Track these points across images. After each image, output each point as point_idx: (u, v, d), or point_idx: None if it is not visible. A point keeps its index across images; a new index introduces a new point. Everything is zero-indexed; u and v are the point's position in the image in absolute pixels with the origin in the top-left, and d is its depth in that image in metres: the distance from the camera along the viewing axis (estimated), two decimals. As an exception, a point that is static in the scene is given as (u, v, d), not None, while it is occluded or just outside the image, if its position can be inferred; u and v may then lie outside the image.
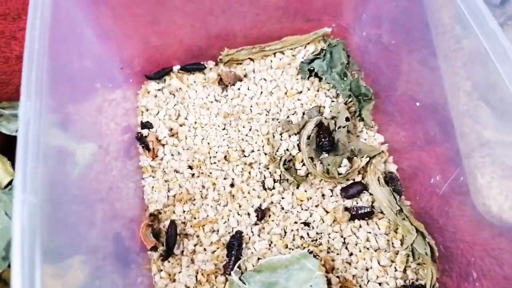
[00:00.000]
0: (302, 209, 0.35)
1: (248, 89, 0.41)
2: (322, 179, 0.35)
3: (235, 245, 0.33)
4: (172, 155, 0.38)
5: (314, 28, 0.42)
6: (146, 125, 0.39)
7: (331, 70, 0.40)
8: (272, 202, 0.35)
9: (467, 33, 0.27)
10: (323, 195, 0.35)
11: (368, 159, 0.35)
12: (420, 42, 0.34)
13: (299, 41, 0.42)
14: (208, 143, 0.38)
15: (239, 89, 0.41)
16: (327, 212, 0.34)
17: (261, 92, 0.40)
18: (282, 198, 0.35)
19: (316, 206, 0.35)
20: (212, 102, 0.40)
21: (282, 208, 0.35)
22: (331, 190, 0.35)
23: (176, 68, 0.42)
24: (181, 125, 0.39)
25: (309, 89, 0.40)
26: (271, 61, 0.42)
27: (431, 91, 0.33)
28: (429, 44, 0.32)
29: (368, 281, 0.32)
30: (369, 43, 0.40)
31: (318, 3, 0.41)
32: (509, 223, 0.27)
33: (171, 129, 0.39)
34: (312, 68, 0.40)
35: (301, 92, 0.40)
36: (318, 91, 0.40)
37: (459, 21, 0.28)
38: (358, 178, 0.36)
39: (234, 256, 0.32)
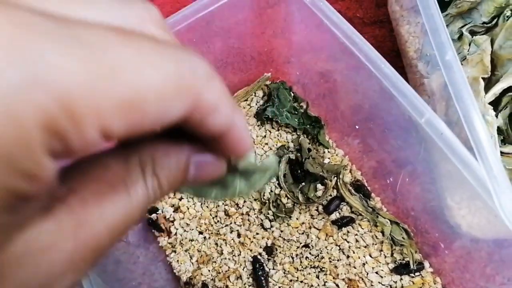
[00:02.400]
0: (299, 234, 0.42)
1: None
2: (306, 205, 0.43)
3: (258, 267, 0.40)
4: (182, 227, 0.45)
5: (255, 77, 0.49)
6: (153, 210, 0.46)
7: (282, 110, 0.47)
8: (274, 238, 0.42)
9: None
10: (312, 216, 0.43)
11: (335, 178, 0.43)
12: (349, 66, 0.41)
13: (249, 92, 0.49)
14: (207, 207, 0.45)
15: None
16: (319, 230, 0.42)
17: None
18: (281, 231, 0.43)
19: (309, 228, 0.42)
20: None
21: (284, 239, 0.42)
22: (317, 211, 0.43)
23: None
24: (180, 199, 0.46)
25: (271, 132, 0.47)
26: (232, 116, 0.49)
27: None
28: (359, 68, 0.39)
29: (367, 273, 0.40)
30: (305, 78, 0.47)
31: (247, 58, 0.47)
32: (477, 237, 0.34)
33: (173, 205, 0.46)
34: (267, 116, 0.47)
35: (265, 136, 0.47)
36: (278, 130, 0.47)
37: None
38: (334, 193, 0.43)
39: (263, 274, 0.40)
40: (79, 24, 0.10)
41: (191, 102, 0.11)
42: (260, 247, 0.42)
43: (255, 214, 0.44)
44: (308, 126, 0.46)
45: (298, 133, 0.47)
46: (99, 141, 0.10)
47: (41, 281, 0.10)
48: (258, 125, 0.48)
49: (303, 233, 0.42)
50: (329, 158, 0.45)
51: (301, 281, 0.40)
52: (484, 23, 0.39)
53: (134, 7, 0.13)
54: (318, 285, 0.40)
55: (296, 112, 0.47)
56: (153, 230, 0.45)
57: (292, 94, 0.48)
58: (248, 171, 0.18)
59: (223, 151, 0.15)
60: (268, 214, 0.43)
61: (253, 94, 0.49)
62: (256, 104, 0.48)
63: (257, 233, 0.43)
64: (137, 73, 0.10)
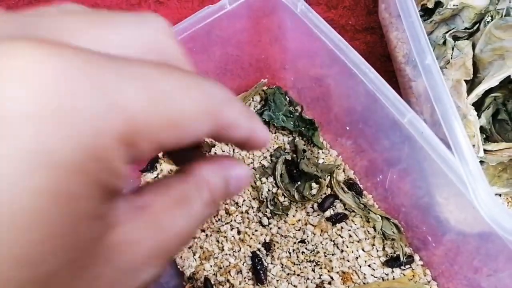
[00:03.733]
0: (296, 231, 0.45)
1: (222, 150, 0.50)
2: (302, 203, 0.45)
3: (257, 262, 0.43)
4: (185, 226, 0.47)
5: (253, 82, 0.52)
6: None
7: (278, 114, 0.49)
8: (272, 234, 0.45)
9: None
10: (307, 213, 0.45)
11: (329, 177, 0.45)
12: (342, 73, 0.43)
13: (247, 97, 0.52)
14: (209, 206, 0.48)
15: (215, 152, 0.50)
16: (314, 226, 0.44)
17: (234, 150, 0.50)
18: (279, 228, 0.45)
19: (305, 224, 0.45)
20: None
21: (281, 236, 0.45)
22: (312, 208, 0.45)
23: (160, 154, 0.52)
24: (183, 200, 0.49)
25: (272, 132, 0.50)
26: (231, 120, 0.52)
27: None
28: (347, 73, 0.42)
29: (360, 266, 0.42)
30: (300, 83, 0.49)
31: (245, 65, 0.50)
32: (464, 231, 0.36)
33: (177, 205, 0.49)
34: (264, 119, 0.49)
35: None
36: (275, 133, 0.50)
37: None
38: (328, 191, 0.46)
39: (262, 269, 0.42)
40: (129, 61, 0.12)
41: (216, 120, 0.14)
42: (259, 243, 0.45)
43: (253, 212, 0.46)
44: (303, 128, 0.48)
45: (293, 135, 0.49)
46: (155, 151, 0.13)
47: (132, 267, 0.13)
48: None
49: (299, 230, 0.45)
50: (323, 158, 0.48)
51: (298, 275, 0.42)
52: (466, 28, 0.42)
53: (147, 21, 0.15)
54: (314, 278, 0.42)
55: (291, 116, 0.49)
56: (158, 229, 0.48)
57: (288, 99, 0.50)
58: None
59: (250, 148, 0.18)
60: (266, 212, 0.45)
61: (251, 99, 0.52)
62: (254, 109, 0.51)
63: (256, 230, 0.45)
64: (179, 99, 0.13)
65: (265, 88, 0.52)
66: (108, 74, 0.11)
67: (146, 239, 0.13)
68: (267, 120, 0.49)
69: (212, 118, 0.14)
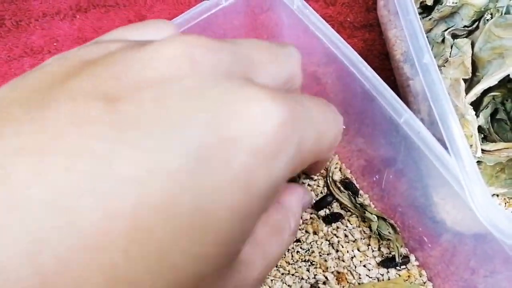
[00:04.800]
0: (291, 230, 0.44)
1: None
2: (297, 202, 0.45)
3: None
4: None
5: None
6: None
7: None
8: (267, 233, 0.44)
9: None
10: (303, 212, 0.45)
11: (326, 177, 0.45)
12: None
13: (243, 94, 0.51)
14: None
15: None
16: (309, 225, 0.44)
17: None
18: (273, 227, 0.45)
19: (301, 223, 0.44)
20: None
21: (276, 235, 0.44)
22: (308, 207, 0.45)
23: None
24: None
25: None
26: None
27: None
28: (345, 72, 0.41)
29: (356, 266, 0.42)
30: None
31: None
32: (461, 232, 0.36)
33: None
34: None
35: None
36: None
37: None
38: (325, 191, 0.45)
39: None
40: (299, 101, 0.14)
41: (334, 146, 0.17)
42: (254, 243, 0.44)
43: (249, 211, 0.46)
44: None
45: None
46: (299, 169, 0.15)
47: (245, 285, 0.14)
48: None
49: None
50: (320, 157, 0.47)
51: (292, 274, 0.42)
52: (465, 26, 0.41)
53: (292, 55, 0.17)
54: (309, 277, 0.42)
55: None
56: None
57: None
58: None
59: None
60: (261, 211, 0.45)
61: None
62: (251, 106, 0.51)
63: (251, 229, 0.45)
64: (328, 132, 0.15)
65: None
66: (301, 121, 0.13)
67: (255, 264, 0.15)
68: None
69: (335, 146, 0.17)
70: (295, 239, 0.43)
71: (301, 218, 0.45)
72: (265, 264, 0.15)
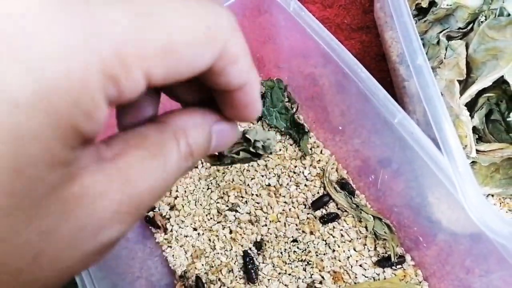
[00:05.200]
0: (286, 230, 0.45)
1: (215, 149, 0.50)
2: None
3: (249, 261, 0.42)
4: (177, 224, 0.47)
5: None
6: (150, 208, 0.49)
7: (272, 110, 0.49)
8: (263, 234, 0.45)
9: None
10: (301, 211, 0.45)
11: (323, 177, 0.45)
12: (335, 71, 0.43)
13: (241, 95, 0.51)
14: (201, 205, 0.48)
15: (209, 151, 0.50)
16: (306, 225, 0.44)
17: (226, 148, 0.50)
18: (269, 228, 0.45)
19: (298, 223, 0.45)
20: (192, 171, 0.50)
21: (273, 235, 0.45)
22: (304, 205, 0.45)
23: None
24: (175, 198, 0.49)
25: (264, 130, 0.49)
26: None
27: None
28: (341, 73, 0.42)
29: (352, 266, 0.42)
30: (294, 82, 0.49)
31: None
32: (456, 232, 0.36)
33: (169, 203, 0.49)
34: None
35: (256, 138, 0.49)
36: (268, 131, 0.49)
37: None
38: (321, 191, 0.46)
39: (253, 268, 0.42)
40: None
41: (218, 50, 0.13)
42: (251, 242, 0.45)
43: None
44: (293, 130, 0.48)
45: (284, 135, 0.49)
46: (143, 84, 0.12)
47: (94, 222, 0.12)
48: (252, 122, 0.50)
49: (289, 226, 0.45)
50: (314, 157, 0.48)
51: (289, 274, 0.42)
52: (460, 28, 0.42)
53: (215, 10, 0.14)
54: (305, 277, 0.42)
55: (286, 113, 0.49)
56: (150, 227, 0.48)
57: (286, 94, 0.50)
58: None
59: (236, 116, 0.16)
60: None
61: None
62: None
63: (246, 228, 0.45)
64: (173, 25, 0.12)
65: (265, 79, 0.51)
66: (102, 2, 0.10)
67: (112, 192, 0.12)
68: (259, 116, 0.49)
69: (215, 46, 0.13)
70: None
71: (298, 217, 0.45)
72: (133, 193, 0.13)
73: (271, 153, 0.22)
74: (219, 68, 0.14)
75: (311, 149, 0.48)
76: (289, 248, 0.44)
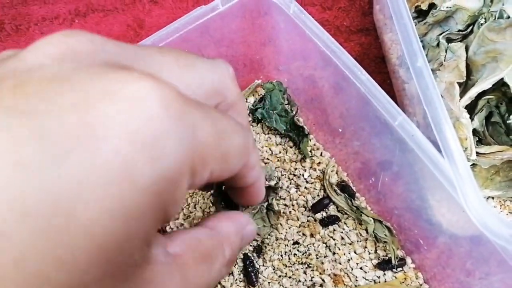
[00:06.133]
0: (287, 232, 0.45)
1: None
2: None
3: (249, 263, 0.42)
4: (177, 227, 0.47)
5: (247, 83, 0.52)
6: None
7: (272, 113, 0.49)
8: (264, 237, 0.45)
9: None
10: (301, 214, 0.45)
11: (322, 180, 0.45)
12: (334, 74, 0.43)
13: (240, 98, 0.51)
14: (200, 207, 0.48)
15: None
16: (306, 228, 0.44)
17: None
18: (270, 232, 0.45)
19: (298, 226, 0.45)
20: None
21: (273, 238, 0.45)
22: (304, 208, 0.45)
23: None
24: (175, 201, 0.49)
25: (264, 133, 0.49)
26: (225, 121, 0.51)
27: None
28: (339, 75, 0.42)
29: (352, 269, 0.42)
30: (294, 84, 0.49)
31: (239, 65, 0.50)
32: (456, 234, 0.36)
33: (169, 206, 0.48)
34: (257, 117, 0.49)
35: (255, 140, 0.49)
36: (268, 134, 0.49)
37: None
38: (321, 193, 0.46)
39: (253, 271, 0.42)
40: (201, 102, 0.14)
41: (245, 160, 0.16)
42: (251, 245, 0.44)
43: (246, 213, 0.46)
44: (293, 132, 0.48)
45: (284, 138, 0.49)
46: (206, 179, 0.14)
47: None
48: (251, 125, 0.50)
49: (290, 228, 0.44)
50: (313, 159, 0.48)
51: (290, 277, 0.42)
52: (459, 30, 0.42)
53: (218, 67, 0.17)
54: (306, 280, 0.42)
55: (286, 115, 0.49)
56: (150, 230, 0.48)
57: (286, 96, 0.50)
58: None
59: (244, 202, 0.20)
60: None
61: (245, 100, 0.52)
62: (248, 110, 0.51)
63: (248, 232, 0.45)
64: (232, 138, 0.15)
65: (265, 82, 0.51)
66: (194, 112, 0.13)
67: (172, 285, 0.14)
68: (259, 118, 0.49)
69: (245, 158, 0.16)
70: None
71: (298, 220, 0.45)
72: None
73: (277, 183, 0.26)
74: (242, 173, 0.17)
75: (311, 151, 0.48)
76: (290, 251, 0.44)
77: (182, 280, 0.14)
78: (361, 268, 0.42)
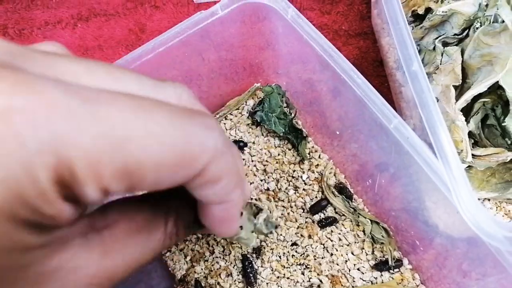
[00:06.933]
0: (286, 234, 0.45)
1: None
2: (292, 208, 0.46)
3: (248, 264, 0.43)
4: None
5: (246, 86, 0.52)
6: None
7: (271, 116, 0.50)
8: (262, 238, 0.45)
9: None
10: (299, 215, 0.46)
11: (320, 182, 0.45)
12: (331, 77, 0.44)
13: (240, 101, 0.52)
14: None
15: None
16: (304, 229, 0.45)
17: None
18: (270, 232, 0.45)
19: (296, 227, 0.45)
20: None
21: (272, 239, 0.45)
22: (302, 209, 0.46)
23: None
24: (175, 202, 0.49)
25: (263, 135, 0.50)
26: (224, 123, 0.52)
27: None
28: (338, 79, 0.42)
29: (349, 270, 0.43)
30: (292, 88, 0.50)
31: (239, 69, 0.51)
32: (452, 236, 0.37)
33: (169, 207, 0.49)
34: (256, 119, 0.50)
35: (254, 142, 0.50)
36: (267, 136, 0.50)
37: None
38: (319, 195, 0.46)
39: (252, 272, 0.42)
40: (99, 95, 0.11)
41: (193, 173, 0.12)
42: (250, 246, 0.45)
43: (245, 215, 0.46)
44: (291, 135, 0.48)
45: (283, 140, 0.49)
46: (100, 196, 0.11)
47: None
48: (249, 132, 0.51)
49: (288, 228, 0.45)
50: (312, 161, 0.48)
51: (288, 278, 0.43)
52: (455, 34, 0.42)
53: (164, 90, 0.14)
54: (303, 281, 0.42)
55: (285, 118, 0.49)
56: (150, 231, 0.48)
57: (284, 100, 0.51)
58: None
59: (210, 227, 0.16)
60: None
61: (244, 103, 0.52)
62: (247, 113, 0.52)
63: (247, 233, 0.46)
64: (140, 146, 0.11)
65: (261, 86, 0.52)
66: (61, 115, 0.10)
67: (89, 265, 0.13)
68: (258, 121, 0.49)
69: (189, 169, 0.12)
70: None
71: (296, 221, 0.45)
72: (108, 266, 0.13)
73: (276, 227, 0.23)
74: (195, 185, 0.13)
75: (309, 153, 0.48)
76: (288, 252, 0.44)
77: (103, 256, 0.13)
78: (358, 269, 0.42)
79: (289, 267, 0.43)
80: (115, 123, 0.11)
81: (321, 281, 0.42)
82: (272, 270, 0.44)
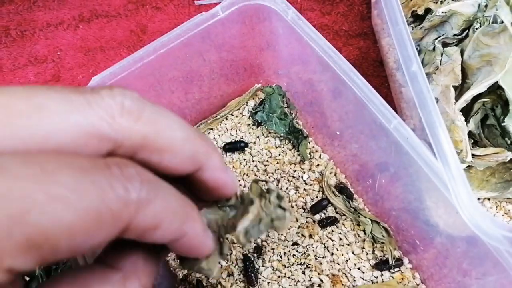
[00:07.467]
0: (287, 234, 0.45)
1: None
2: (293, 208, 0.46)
3: (249, 263, 0.43)
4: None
5: (247, 87, 0.53)
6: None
7: (271, 116, 0.50)
8: (263, 238, 0.46)
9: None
10: (300, 215, 0.46)
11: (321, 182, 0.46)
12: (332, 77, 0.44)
13: (240, 102, 0.52)
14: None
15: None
16: (305, 229, 0.45)
17: (227, 153, 0.51)
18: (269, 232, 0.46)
19: (297, 227, 0.45)
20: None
21: (273, 239, 0.45)
22: (303, 209, 0.46)
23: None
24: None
25: (264, 136, 0.50)
26: (225, 124, 0.52)
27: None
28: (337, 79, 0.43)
29: (350, 269, 0.43)
30: (293, 88, 0.50)
31: (240, 70, 0.51)
32: (452, 235, 0.37)
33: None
34: (257, 120, 0.50)
35: (254, 143, 0.50)
36: (267, 136, 0.50)
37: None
38: (320, 195, 0.46)
39: (253, 271, 0.43)
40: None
41: (117, 230, 0.11)
42: (251, 246, 0.45)
43: (246, 215, 0.47)
44: (292, 135, 0.49)
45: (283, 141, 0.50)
46: (7, 278, 0.10)
47: None
48: (249, 132, 0.51)
49: (289, 228, 0.45)
50: (312, 162, 0.48)
51: (289, 277, 0.43)
52: (455, 35, 0.42)
53: (100, 103, 0.12)
54: (304, 280, 0.43)
55: (286, 118, 0.50)
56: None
57: (285, 100, 0.51)
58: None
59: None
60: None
61: (245, 103, 0.53)
62: (248, 113, 0.52)
63: (248, 233, 0.46)
64: (44, 214, 0.10)
65: (264, 86, 0.52)
66: None
67: None
68: (259, 121, 0.50)
69: (113, 227, 0.11)
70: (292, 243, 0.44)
71: (297, 221, 0.46)
72: None
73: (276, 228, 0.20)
74: (132, 237, 0.12)
75: (310, 153, 0.49)
76: (289, 251, 0.44)
77: None
78: (359, 269, 0.43)
79: (290, 267, 0.44)
80: (8, 194, 0.09)
81: (321, 280, 0.42)
82: (273, 270, 0.44)
